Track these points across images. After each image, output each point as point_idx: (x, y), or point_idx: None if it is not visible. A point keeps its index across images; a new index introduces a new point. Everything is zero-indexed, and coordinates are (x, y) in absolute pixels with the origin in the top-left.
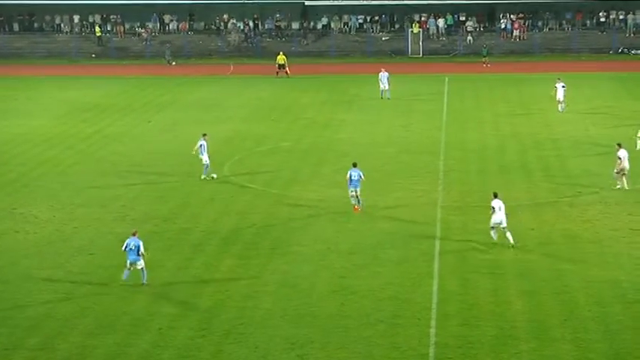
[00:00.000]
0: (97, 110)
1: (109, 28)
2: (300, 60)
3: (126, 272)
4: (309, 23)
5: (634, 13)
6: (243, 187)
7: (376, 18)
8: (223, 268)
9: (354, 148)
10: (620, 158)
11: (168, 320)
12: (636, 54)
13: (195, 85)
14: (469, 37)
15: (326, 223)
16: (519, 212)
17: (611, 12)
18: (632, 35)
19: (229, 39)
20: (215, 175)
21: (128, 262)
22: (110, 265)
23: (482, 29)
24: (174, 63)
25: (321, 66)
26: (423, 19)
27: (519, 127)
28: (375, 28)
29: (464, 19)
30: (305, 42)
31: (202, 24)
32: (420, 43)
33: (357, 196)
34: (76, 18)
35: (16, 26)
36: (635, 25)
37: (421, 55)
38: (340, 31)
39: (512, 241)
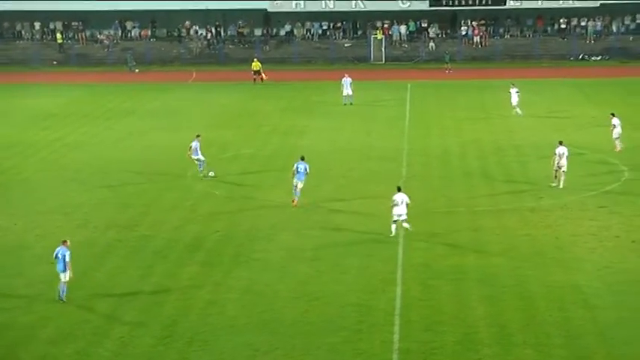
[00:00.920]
0: (58, 118)
1: (70, 35)
2: (262, 67)
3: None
4: (272, 30)
5: (594, 20)
6: (206, 194)
7: (339, 25)
8: (186, 276)
9: (317, 155)
10: (556, 154)
11: (130, 328)
12: (596, 60)
13: (158, 92)
14: (431, 44)
15: (289, 229)
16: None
17: (572, 19)
18: (592, 42)
19: (191, 46)
20: (212, 173)
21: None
22: (72, 272)
23: (444, 36)
24: (136, 70)
25: (284, 72)
26: (385, 25)
27: (481, 132)
28: (337, 35)
29: (426, 25)
30: (267, 48)
31: (164, 31)
32: (383, 50)
33: (299, 189)
34: (37, 25)
35: None
36: (596, 32)
37: (384, 62)
38: (303, 37)
39: (409, 228)
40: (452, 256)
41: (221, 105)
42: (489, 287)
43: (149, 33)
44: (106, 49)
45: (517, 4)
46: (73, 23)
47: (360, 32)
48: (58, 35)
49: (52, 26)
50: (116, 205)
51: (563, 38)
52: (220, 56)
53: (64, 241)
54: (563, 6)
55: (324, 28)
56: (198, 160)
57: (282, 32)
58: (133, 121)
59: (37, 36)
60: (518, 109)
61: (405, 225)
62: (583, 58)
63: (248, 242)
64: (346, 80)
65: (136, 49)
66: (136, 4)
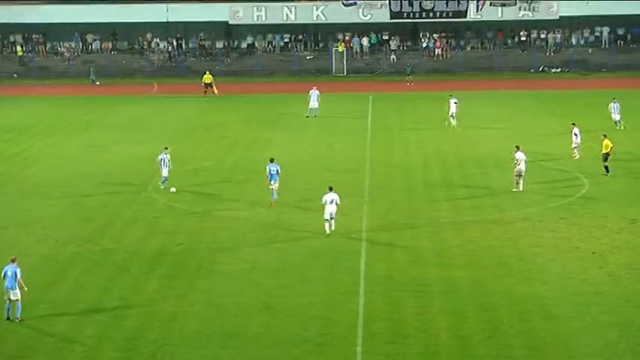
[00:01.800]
0: (19, 131)
1: (30, 48)
2: (224, 79)
3: (7, 306)
4: (234, 42)
5: (554, 33)
6: (168, 207)
7: (300, 37)
8: (149, 289)
9: (280, 167)
10: (516, 160)
11: (93, 342)
12: (556, 72)
13: (119, 105)
14: (392, 56)
15: (252, 241)
16: None
17: (532, 31)
18: (552, 54)
19: (153, 58)
20: (174, 189)
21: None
22: (31, 287)
23: (405, 48)
24: (97, 83)
25: (246, 85)
26: (346, 37)
27: (443, 144)
28: (299, 47)
29: (387, 38)
30: (229, 61)
31: (125, 43)
32: (344, 62)
33: (275, 190)
34: None
35: None
36: (556, 44)
37: (345, 74)
38: (264, 50)
39: (333, 228)
40: (414, 268)
41: (183, 118)
42: (452, 299)
43: (110, 46)
44: (66, 62)
45: (477, 17)
46: (33, 36)
47: (321, 44)
48: (18, 48)
49: (12, 39)
50: (77, 218)
51: (524, 50)
52: (182, 69)
53: (14, 259)
54: (523, 19)
55: (286, 40)
56: (165, 175)
57: (244, 45)
58: (95, 134)
59: None
60: (454, 120)
61: (332, 226)
62: (543, 70)
63: (210, 255)
64: (314, 92)
65: (97, 61)
66: (96, 17)
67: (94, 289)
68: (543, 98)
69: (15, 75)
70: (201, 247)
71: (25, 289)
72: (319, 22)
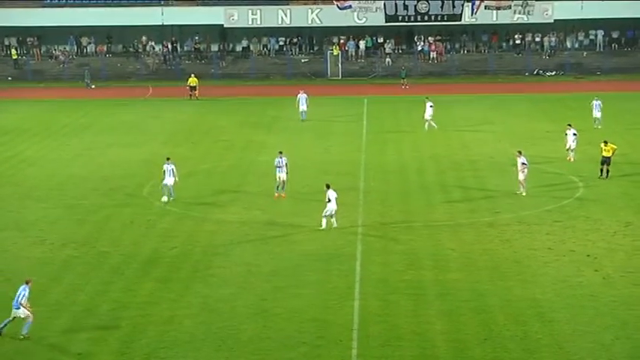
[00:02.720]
0: (14, 134)
1: (25, 51)
2: (219, 82)
3: (6, 320)
4: (229, 45)
5: (549, 36)
6: (163, 210)
7: (295, 40)
8: (144, 292)
9: (275, 170)
10: (522, 164)
11: (88, 345)
12: (551, 76)
13: (114, 108)
14: (387, 59)
15: (247, 245)
16: None
17: (526, 34)
18: (547, 57)
19: (148, 61)
20: (165, 199)
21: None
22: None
23: (400, 51)
24: (93, 86)
25: (241, 88)
26: (342, 41)
27: (438, 147)
28: (294, 51)
29: (382, 41)
30: (224, 64)
31: (120, 46)
32: (339, 65)
33: (283, 182)
34: None
35: None
36: (550, 47)
37: (340, 77)
38: (260, 53)
39: (335, 224)
40: (410, 271)
41: (178, 121)
42: (447, 302)
43: (105, 49)
44: (61, 65)
45: (472, 20)
46: (28, 39)
47: (316, 48)
48: (13, 51)
49: (6, 42)
50: (73, 221)
51: (518, 54)
52: (177, 72)
53: (27, 281)
54: (518, 22)
55: (281, 43)
56: (166, 186)
57: (239, 48)
58: (90, 137)
59: None
60: (431, 123)
61: (334, 222)
62: (538, 74)
63: (205, 258)
64: (302, 96)
65: (92, 64)
66: (91, 20)
67: (89, 292)
68: (538, 101)
69: (9, 78)
70: (196, 251)
71: (29, 312)
72: (314, 25)
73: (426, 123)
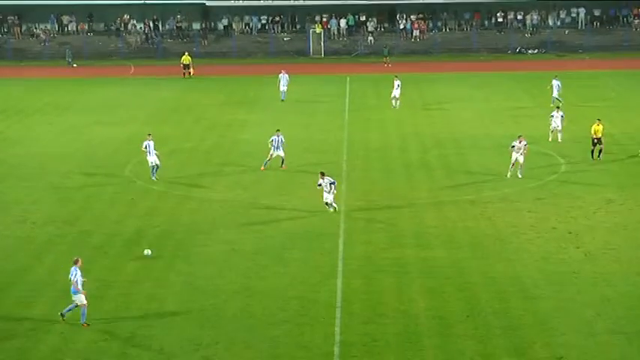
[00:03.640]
0: None
1: (5, 30)
2: (201, 61)
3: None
4: (211, 24)
5: (531, 14)
6: (145, 189)
7: (277, 18)
8: (127, 271)
9: (257, 148)
10: (516, 147)
11: (70, 324)
12: (533, 54)
13: (96, 87)
14: (370, 38)
15: (230, 224)
16: None
17: (508, 12)
18: (529, 35)
19: (129, 40)
20: (149, 252)
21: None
22: (10, 269)
23: (382, 29)
24: (74, 65)
25: (223, 67)
26: (324, 19)
27: (420, 126)
28: (276, 29)
29: (364, 19)
30: (206, 43)
31: (102, 25)
32: (322, 44)
33: (282, 158)
34: None
35: None
36: (533, 25)
37: (323, 56)
38: (242, 31)
39: (336, 206)
40: (393, 249)
41: (160, 99)
42: (430, 279)
43: (86, 27)
44: (42, 44)
45: None
46: (8, 17)
47: (298, 26)
48: None
49: None
50: (55, 200)
51: (501, 32)
52: (159, 50)
53: (75, 260)
54: (500, 0)
55: (263, 22)
56: (152, 163)
57: (221, 26)
58: (72, 116)
59: None
60: (397, 102)
61: (335, 206)
62: (520, 52)
63: (188, 237)
64: (283, 76)
65: (73, 43)
66: None
67: None
68: (520, 79)
69: None
70: (179, 229)
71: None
72: (296, 3)
73: (394, 101)
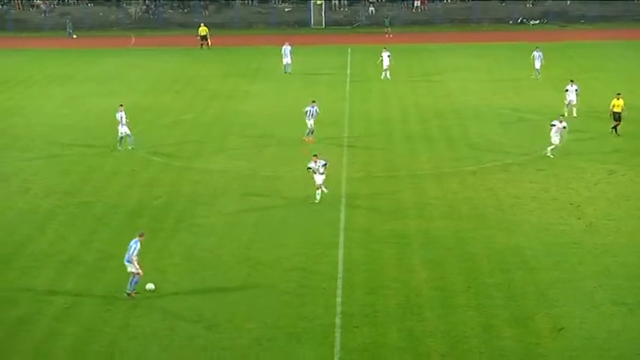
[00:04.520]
0: None
1: (6, 1)
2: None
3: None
4: None
5: None
6: (146, 160)
7: None
8: (128, 242)
9: (259, 120)
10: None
11: (73, 295)
12: (535, 24)
13: (97, 58)
14: (371, 8)
15: (231, 194)
16: None
17: None
18: (531, 5)
19: (130, 10)
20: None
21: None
22: (11, 240)
23: (383, 0)
24: (74, 35)
25: (224, 37)
26: None
27: (422, 97)
28: None
29: None
30: (207, 13)
31: None
32: (323, 14)
33: (310, 128)
34: None
35: None
36: None
37: (324, 26)
38: (243, 2)
39: (318, 196)
40: (394, 220)
41: (161, 70)
42: (432, 250)
43: None
44: (43, 15)
45: None
46: None
47: None
48: None
49: None
50: (56, 171)
51: (502, 2)
52: (159, 21)
53: (141, 234)
54: None
55: None
56: (123, 134)
57: None
58: (72, 87)
59: None
60: (387, 73)
61: (324, 190)
62: (522, 22)
63: (189, 208)
64: (286, 48)
65: (73, 14)
66: None
67: (74, 242)
68: (522, 50)
69: None
70: (180, 201)
71: (138, 268)
72: None
73: (383, 73)
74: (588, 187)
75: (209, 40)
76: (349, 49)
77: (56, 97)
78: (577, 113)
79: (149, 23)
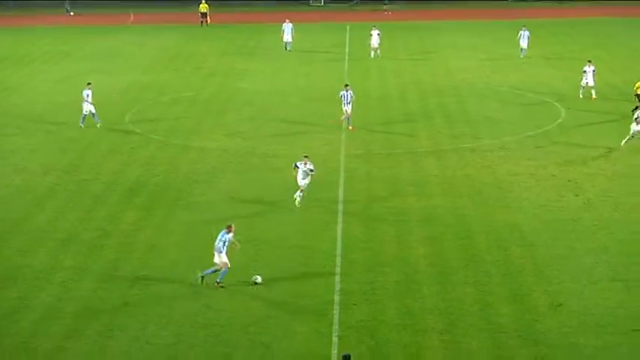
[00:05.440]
0: None
1: None
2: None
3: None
4: None
5: None
6: (145, 138)
7: None
8: (127, 220)
9: (257, 97)
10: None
11: (72, 273)
12: (535, 1)
13: (95, 35)
14: None
15: (229, 172)
16: None
17: None
18: None
19: None
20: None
21: None
22: (9, 218)
23: None
24: (72, 13)
25: (223, 15)
26: None
27: (420, 74)
28: None
29: None
30: None
31: None
32: None
33: (348, 115)
34: None
35: None
36: None
37: (322, 4)
38: None
39: (299, 200)
40: (392, 198)
41: (159, 47)
42: (430, 228)
43: None
44: None
45: None
46: None
47: None
48: None
49: None
50: (54, 149)
51: None
52: None
53: (229, 227)
54: None
55: None
56: (87, 112)
57: None
58: (71, 65)
59: None
60: (377, 51)
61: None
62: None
63: (188, 186)
64: (287, 26)
65: None
66: None
67: (72, 219)
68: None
69: None
70: (179, 178)
71: (227, 262)
72: None
73: (372, 51)
74: (586, 164)
75: (209, 17)
76: (348, 27)
77: (54, 75)
78: (596, 95)
79: (148, 1)
